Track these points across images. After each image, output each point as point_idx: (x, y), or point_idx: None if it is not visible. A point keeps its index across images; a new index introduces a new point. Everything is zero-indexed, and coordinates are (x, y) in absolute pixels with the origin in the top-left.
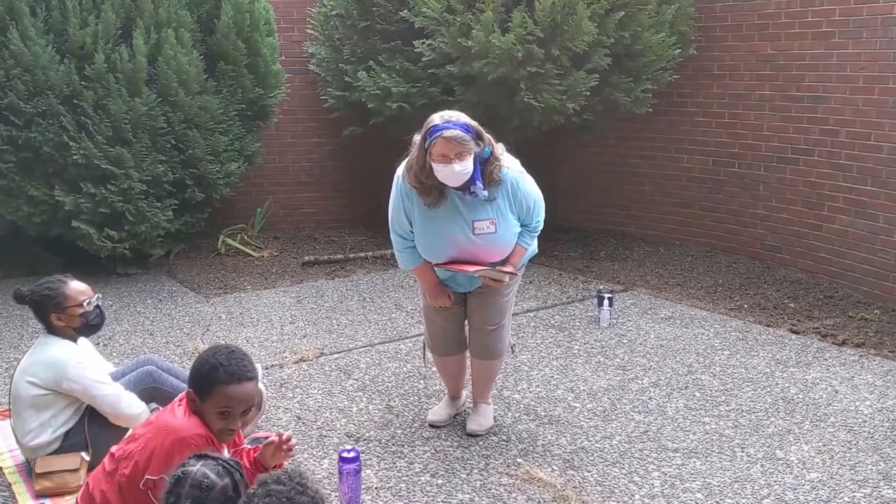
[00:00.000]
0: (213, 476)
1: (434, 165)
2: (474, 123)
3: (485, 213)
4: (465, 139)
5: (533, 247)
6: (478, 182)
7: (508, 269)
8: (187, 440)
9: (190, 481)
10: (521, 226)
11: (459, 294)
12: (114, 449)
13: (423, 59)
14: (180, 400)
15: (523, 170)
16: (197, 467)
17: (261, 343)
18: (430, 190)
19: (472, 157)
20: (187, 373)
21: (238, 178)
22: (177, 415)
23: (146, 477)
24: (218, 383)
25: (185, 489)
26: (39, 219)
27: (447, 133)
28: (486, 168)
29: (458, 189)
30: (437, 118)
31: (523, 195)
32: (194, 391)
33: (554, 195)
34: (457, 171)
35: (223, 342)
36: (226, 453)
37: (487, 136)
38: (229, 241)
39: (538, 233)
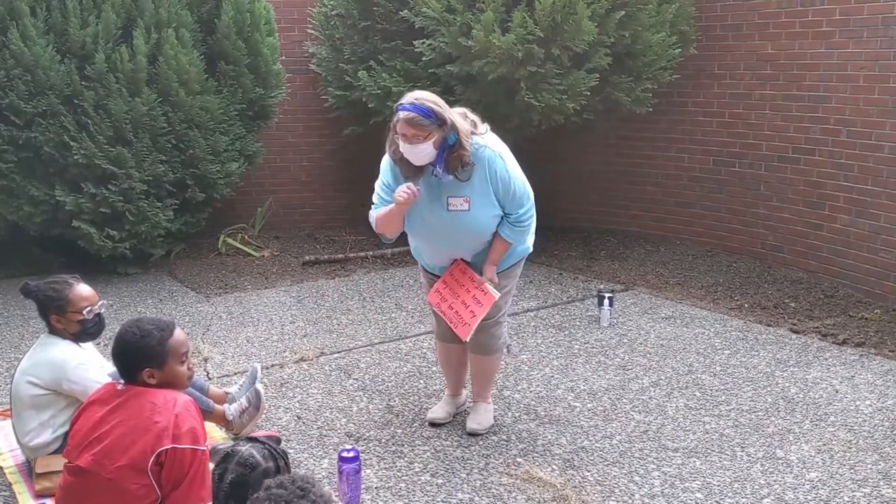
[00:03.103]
0: (258, 457)
1: (399, 142)
2: (438, 108)
3: (459, 191)
4: (421, 123)
5: (528, 244)
6: (438, 167)
7: (488, 269)
8: (188, 402)
9: (237, 458)
10: (506, 214)
11: None
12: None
13: (424, 58)
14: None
15: (507, 154)
16: (246, 447)
17: (261, 343)
18: (405, 164)
19: (434, 140)
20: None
21: (238, 177)
22: (157, 395)
23: (174, 445)
24: (165, 341)
25: (232, 465)
26: (40, 218)
27: (402, 114)
28: (450, 154)
29: (431, 165)
30: (406, 97)
31: (501, 177)
32: (152, 366)
33: (554, 194)
34: (413, 151)
35: (224, 340)
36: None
37: (452, 121)
38: (230, 240)
39: (523, 227)
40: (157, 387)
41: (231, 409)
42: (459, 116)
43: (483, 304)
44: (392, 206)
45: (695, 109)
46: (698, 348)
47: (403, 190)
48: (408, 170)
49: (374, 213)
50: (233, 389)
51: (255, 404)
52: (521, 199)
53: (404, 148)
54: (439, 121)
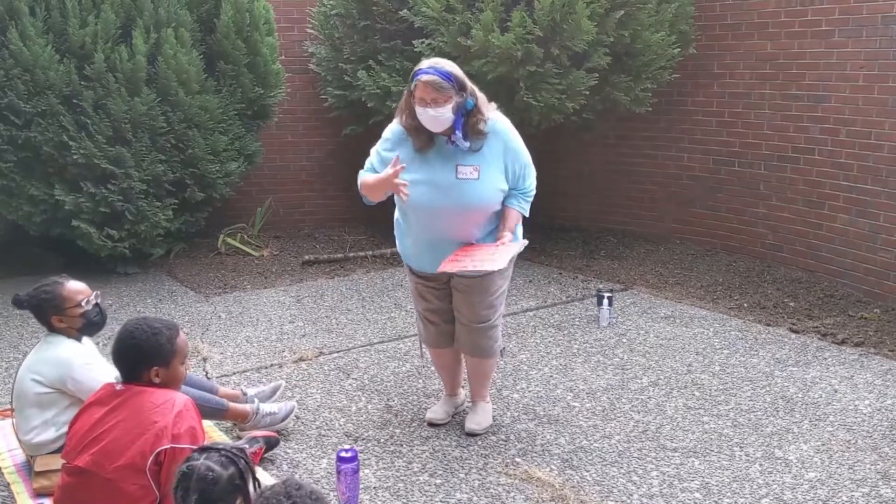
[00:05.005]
0: (217, 468)
1: (416, 108)
2: (458, 73)
3: (470, 160)
4: (441, 85)
5: (519, 240)
6: (458, 133)
7: (506, 236)
8: (188, 402)
9: (196, 475)
10: (512, 189)
11: (446, 289)
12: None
13: (423, 58)
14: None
15: (516, 132)
16: (201, 461)
17: (260, 342)
18: (418, 133)
19: (452, 105)
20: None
21: (238, 177)
22: (156, 395)
23: (173, 445)
24: (173, 340)
25: (192, 483)
26: (40, 218)
27: (424, 77)
28: (468, 119)
29: (443, 135)
30: (424, 63)
31: (514, 152)
32: (160, 365)
33: (554, 194)
34: (432, 116)
35: (223, 340)
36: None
37: (471, 87)
38: (229, 240)
39: (530, 197)
40: (160, 386)
41: (264, 408)
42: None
43: (512, 246)
44: (381, 175)
45: (694, 109)
46: (697, 348)
47: (394, 168)
48: (419, 139)
49: (363, 176)
50: (251, 390)
51: (283, 416)
52: (530, 173)
53: (422, 114)
54: (458, 85)
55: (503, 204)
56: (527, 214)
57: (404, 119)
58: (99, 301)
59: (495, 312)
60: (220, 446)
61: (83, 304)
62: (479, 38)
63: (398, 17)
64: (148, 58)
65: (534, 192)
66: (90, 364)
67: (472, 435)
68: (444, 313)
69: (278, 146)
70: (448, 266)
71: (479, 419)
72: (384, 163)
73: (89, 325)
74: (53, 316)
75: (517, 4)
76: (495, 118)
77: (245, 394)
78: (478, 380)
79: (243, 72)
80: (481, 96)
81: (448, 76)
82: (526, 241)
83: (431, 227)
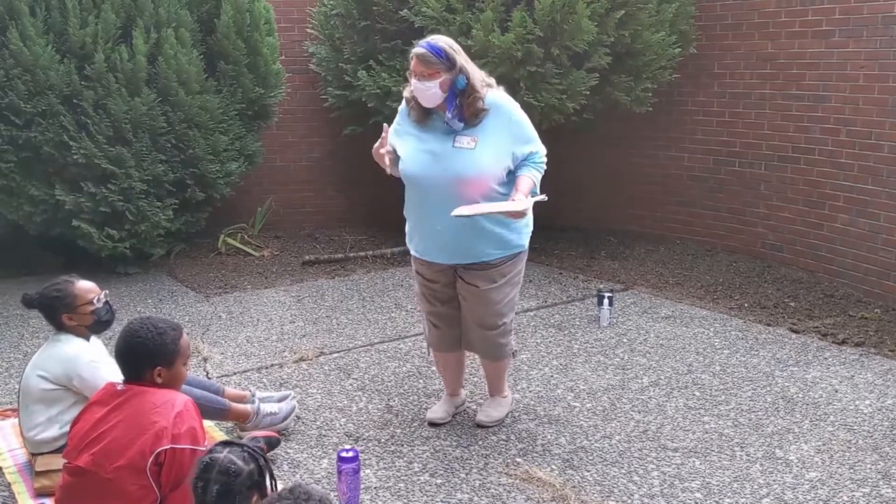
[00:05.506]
0: (239, 462)
1: (411, 81)
2: (450, 50)
3: (469, 131)
4: (430, 60)
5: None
6: (448, 113)
7: (518, 197)
8: (188, 402)
9: (217, 467)
10: (522, 161)
11: (450, 291)
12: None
13: None
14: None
15: (519, 107)
16: (224, 454)
17: (260, 342)
18: (416, 104)
19: (441, 81)
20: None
21: (238, 177)
22: (157, 395)
23: (173, 445)
24: (177, 341)
25: (213, 475)
26: (40, 218)
27: (415, 51)
28: (461, 100)
29: (440, 111)
30: (423, 40)
31: (517, 120)
32: (163, 365)
33: (554, 194)
34: (419, 89)
35: (223, 340)
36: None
37: (461, 64)
38: (230, 240)
39: (542, 165)
40: (161, 386)
41: (264, 408)
42: (474, 65)
43: (530, 199)
44: (377, 144)
45: (694, 109)
46: (698, 348)
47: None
48: (418, 112)
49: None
50: (260, 393)
51: (284, 417)
52: (539, 147)
53: (415, 86)
54: (449, 62)
55: (515, 175)
56: (537, 183)
57: (407, 91)
58: (108, 299)
59: (504, 319)
60: (243, 443)
61: (94, 301)
62: (479, 38)
63: (398, 17)
64: (148, 58)
65: (545, 164)
66: (96, 362)
67: (480, 426)
68: (448, 318)
69: (278, 146)
70: (465, 209)
71: (491, 412)
72: (395, 134)
73: (99, 322)
74: (64, 314)
75: (517, 4)
76: (497, 94)
77: (253, 395)
78: (491, 379)
79: (243, 72)
80: (477, 75)
81: (438, 51)
82: (545, 196)
83: (430, 200)
